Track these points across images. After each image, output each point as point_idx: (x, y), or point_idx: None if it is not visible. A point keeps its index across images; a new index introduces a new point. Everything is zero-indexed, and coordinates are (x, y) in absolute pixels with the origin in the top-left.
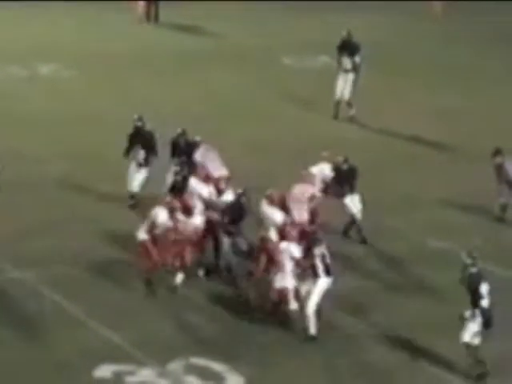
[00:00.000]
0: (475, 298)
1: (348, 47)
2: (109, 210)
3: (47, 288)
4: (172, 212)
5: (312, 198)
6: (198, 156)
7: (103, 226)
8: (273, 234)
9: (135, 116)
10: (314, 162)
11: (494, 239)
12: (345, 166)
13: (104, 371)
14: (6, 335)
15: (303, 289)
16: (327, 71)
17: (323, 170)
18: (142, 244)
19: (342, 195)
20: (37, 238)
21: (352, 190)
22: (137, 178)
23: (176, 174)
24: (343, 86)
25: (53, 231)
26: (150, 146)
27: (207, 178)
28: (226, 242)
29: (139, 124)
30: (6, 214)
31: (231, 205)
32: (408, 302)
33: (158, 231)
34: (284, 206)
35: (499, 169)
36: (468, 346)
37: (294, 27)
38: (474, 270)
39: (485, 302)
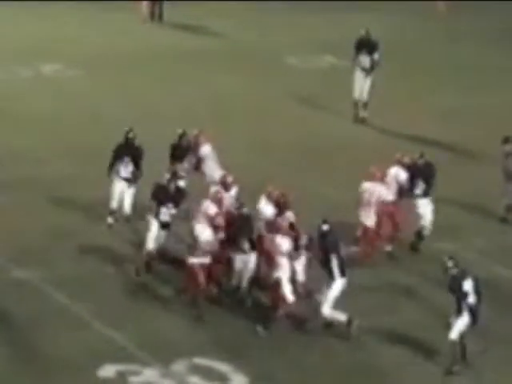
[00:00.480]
0: (459, 297)
1: (367, 45)
2: None
3: (51, 288)
4: (216, 228)
5: (379, 198)
6: (205, 151)
7: (107, 225)
8: (262, 228)
9: (126, 128)
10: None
11: (498, 239)
12: (420, 162)
13: (108, 371)
14: (9, 334)
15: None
16: (332, 71)
17: (398, 172)
18: (190, 267)
19: (413, 195)
20: (40, 237)
21: (427, 192)
22: (129, 196)
23: (169, 181)
24: (361, 86)
25: (55, 231)
26: (137, 161)
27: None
28: (237, 259)
29: (130, 136)
30: (8, 214)
31: (234, 220)
32: (410, 302)
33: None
34: (278, 204)
35: (507, 157)
36: (453, 343)
37: (298, 27)
38: (454, 271)
39: (471, 299)
